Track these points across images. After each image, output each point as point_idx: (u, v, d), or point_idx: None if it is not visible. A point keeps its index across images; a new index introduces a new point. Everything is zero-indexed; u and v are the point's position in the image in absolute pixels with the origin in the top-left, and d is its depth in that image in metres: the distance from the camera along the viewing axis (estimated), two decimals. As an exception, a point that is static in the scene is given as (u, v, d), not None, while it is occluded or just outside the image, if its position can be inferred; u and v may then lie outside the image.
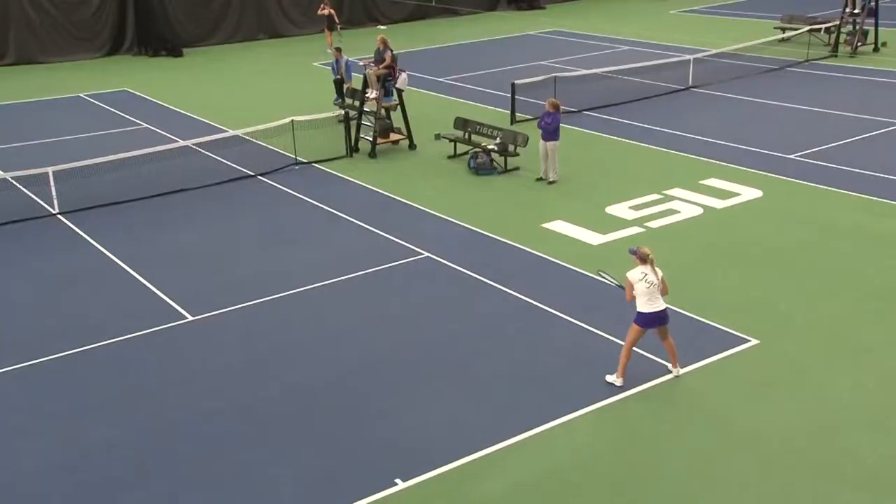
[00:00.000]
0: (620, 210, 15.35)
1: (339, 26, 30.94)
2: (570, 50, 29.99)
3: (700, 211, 15.27)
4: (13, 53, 29.93)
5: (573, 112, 21.56)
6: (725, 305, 11.84)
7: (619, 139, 19.60)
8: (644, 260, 9.70)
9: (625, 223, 14.78)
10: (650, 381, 10.11)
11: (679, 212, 15.23)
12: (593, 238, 14.22)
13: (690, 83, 23.95)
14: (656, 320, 9.79)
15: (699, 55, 25.15)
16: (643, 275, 9.66)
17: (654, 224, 14.71)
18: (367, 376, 10.45)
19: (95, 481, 8.72)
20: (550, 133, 16.55)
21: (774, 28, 30.14)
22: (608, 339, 11.03)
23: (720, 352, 10.68)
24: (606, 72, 24.14)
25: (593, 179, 17.03)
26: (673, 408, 9.67)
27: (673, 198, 15.87)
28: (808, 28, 28.30)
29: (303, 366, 10.73)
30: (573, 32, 33.61)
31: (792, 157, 18.00)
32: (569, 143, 19.05)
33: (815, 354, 10.65)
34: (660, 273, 9.75)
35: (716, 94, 23.25)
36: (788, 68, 26.08)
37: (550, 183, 16.71)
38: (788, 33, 28.89)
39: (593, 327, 11.31)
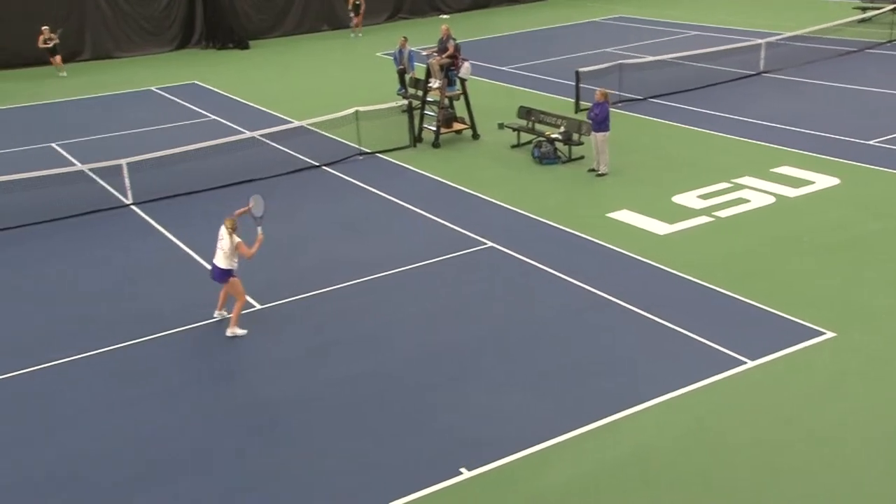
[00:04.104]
0: (688, 199, 15.03)
1: (361, 9, 32.45)
2: (636, 36, 29.47)
3: (772, 200, 14.84)
4: (89, 49, 30.87)
5: (639, 100, 21.20)
6: (800, 297, 11.50)
7: (686, 127, 19.18)
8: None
9: (692, 213, 14.46)
10: (719, 373, 9.88)
11: (749, 201, 14.84)
12: (660, 228, 13.95)
13: (762, 68, 23.28)
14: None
15: (771, 39, 24.43)
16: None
17: (723, 213, 14.37)
18: (432, 366, 10.47)
19: (158, 467, 8.94)
20: (598, 124, 16.23)
21: (853, 8, 29.07)
22: (676, 330, 10.82)
23: (794, 344, 10.38)
24: (673, 58, 23.64)
25: (659, 168, 16.70)
26: (742, 401, 9.44)
27: (743, 186, 15.47)
28: (891, 6, 27.18)
29: (367, 355, 10.80)
30: (638, 18, 33.01)
31: (871, 143, 17.35)
32: (634, 131, 18.76)
33: (894, 348, 10.25)
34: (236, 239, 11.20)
35: (789, 79, 22.54)
36: (869, 50, 25.12)
37: (600, 175, 16.39)
38: (869, 13, 27.81)
39: (660, 318, 11.11)
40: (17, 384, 10.54)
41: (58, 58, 27.85)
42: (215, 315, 11.61)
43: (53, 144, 20.33)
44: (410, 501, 8.19)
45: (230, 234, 11.11)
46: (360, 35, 32.40)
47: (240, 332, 11.29)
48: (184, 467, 8.90)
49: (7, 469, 9.00)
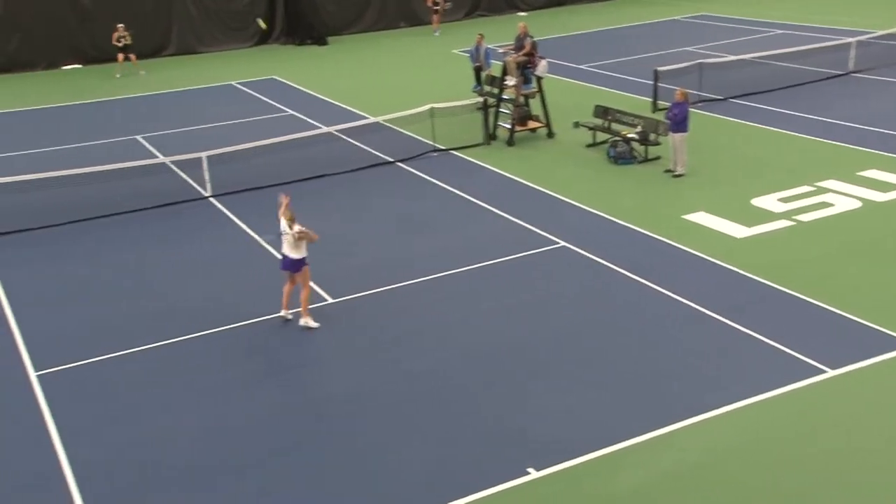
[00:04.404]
0: (768, 202, 14.61)
1: (441, 7, 33.07)
2: (718, 35, 28.78)
3: (858, 204, 14.31)
4: (174, 44, 31.82)
5: (719, 100, 20.71)
6: (886, 305, 11.05)
7: (768, 128, 18.64)
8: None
9: (772, 216, 14.05)
10: (797, 382, 9.59)
11: (833, 205, 14.34)
12: (738, 231, 13.60)
13: (851, 68, 22.44)
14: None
15: (863, 37, 23.52)
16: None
17: (805, 217, 13.92)
18: (503, 363, 10.44)
19: (228, 457, 9.14)
20: (677, 124, 15.91)
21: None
22: (753, 336, 10.54)
23: (877, 355, 10.00)
24: (756, 57, 22.99)
25: (739, 170, 16.28)
26: (820, 411, 9.14)
27: (827, 190, 14.95)
28: None
29: (437, 351, 10.84)
30: (721, 16, 32.23)
31: (965, 147, 16.57)
32: (713, 132, 18.34)
33: None
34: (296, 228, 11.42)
35: (880, 80, 21.68)
36: (964, 51, 23.97)
37: (676, 176, 16.05)
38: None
39: (737, 323, 10.83)
40: (91, 371, 10.93)
41: (130, 56, 28.39)
42: (282, 313, 11.72)
43: (138, 137, 21.01)
44: (477, 499, 8.18)
45: (290, 226, 11.40)
46: (439, 33, 32.53)
47: (313, 323, 11.47)
48: (251, 459, 9.07)
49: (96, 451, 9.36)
